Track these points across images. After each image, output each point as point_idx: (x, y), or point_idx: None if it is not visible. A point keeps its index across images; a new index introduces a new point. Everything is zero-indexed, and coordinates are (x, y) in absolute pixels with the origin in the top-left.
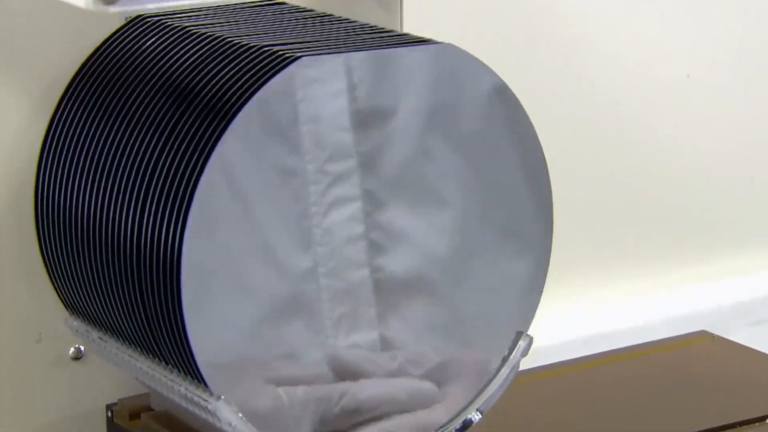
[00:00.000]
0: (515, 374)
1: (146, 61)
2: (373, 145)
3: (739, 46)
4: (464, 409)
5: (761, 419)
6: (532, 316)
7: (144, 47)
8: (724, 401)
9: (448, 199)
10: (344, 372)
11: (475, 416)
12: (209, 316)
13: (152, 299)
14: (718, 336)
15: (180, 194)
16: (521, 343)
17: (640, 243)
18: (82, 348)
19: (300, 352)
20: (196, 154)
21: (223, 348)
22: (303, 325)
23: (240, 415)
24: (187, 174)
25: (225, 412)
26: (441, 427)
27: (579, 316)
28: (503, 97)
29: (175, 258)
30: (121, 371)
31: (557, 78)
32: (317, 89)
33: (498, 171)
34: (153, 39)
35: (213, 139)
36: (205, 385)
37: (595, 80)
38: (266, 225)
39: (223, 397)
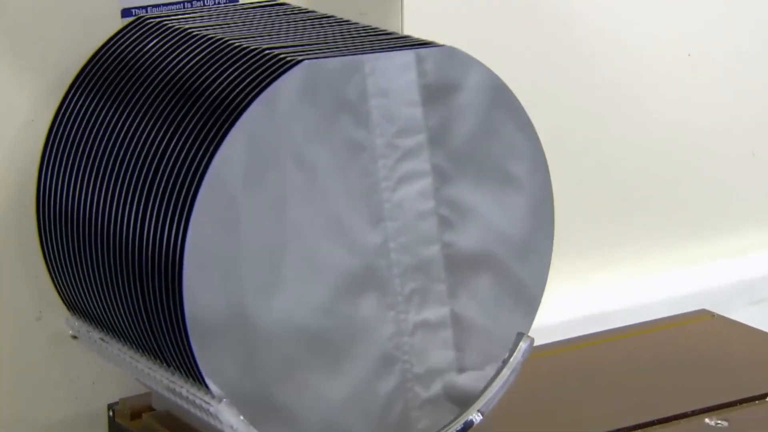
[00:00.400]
0: (516, 376)
1: (148, 62)
2: (440, 120)
3: (739, 24)
4: (465, 410)
5: (761, 397)
6: (533, 317)
7: (146, 49)
8: (724, 379)
9: (513, 176)
10: (461, 399)
11: (476, 417)
12: (275, 295)
13: (154, 301)
14: (718, 315)
15: (182, 196)
16: (522, 345)
17: (641, 223)
18: None
19: (372, 328)
20: (198, 157)
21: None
22: (375, 301)
23: (241, 417)
24: (189, 176)
25: (227, 414)
26: (443, 427)
27: (581, 295)
28: (503, 96)
29: (177, 260)
30: (123, 372)
31: (558, 59)
32: (385, 62)
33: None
34: (155, 41)
35: (215, 142)
36: (207, 387)
37: (596, 60)
38: (336, 200)
39: (225, 399)
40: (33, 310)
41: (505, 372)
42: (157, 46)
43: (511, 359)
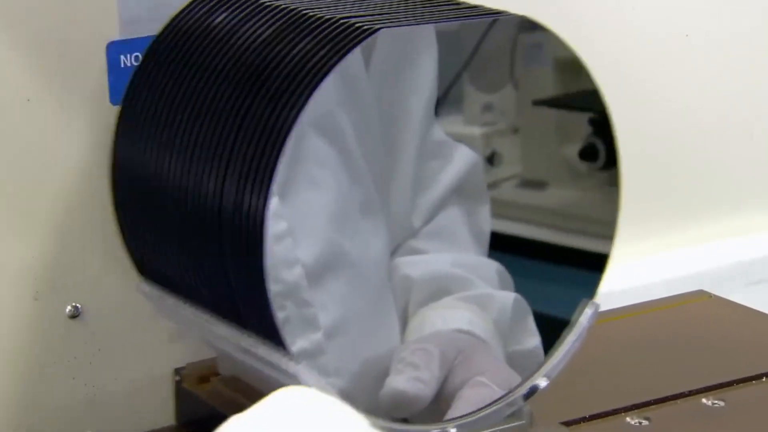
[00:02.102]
0: (581, 341)
1: (223, 31)
2: None
3: (737, 4)
4: (531, 375)
5: (758, 377)
6: (599, 285)
7: (217, 21)
8: (721, 360)
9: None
10: (406, 407)
11: (542, 382)
12: None
13: (234, 264)
14: (716, 296)
15: (264, 158)
16: (587, 310)
17: (638, 204)
18: (80, 306)
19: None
20: (279, 124)
21: None
22: None
23: (319, 377)
24: (270, 140)
25: (306, 375)
26: (507, 393)
27: None
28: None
29: (258, 219)
30: (193, 336)
31: None
32: None
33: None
34: (226, 13)
35: (295, 110)
36: (286, 349)
37: (592, 41)
38: None
39: (304, 361)
40: (30, 289)
41: (570, 337)
42: (228, 19)
43: (577, 324)
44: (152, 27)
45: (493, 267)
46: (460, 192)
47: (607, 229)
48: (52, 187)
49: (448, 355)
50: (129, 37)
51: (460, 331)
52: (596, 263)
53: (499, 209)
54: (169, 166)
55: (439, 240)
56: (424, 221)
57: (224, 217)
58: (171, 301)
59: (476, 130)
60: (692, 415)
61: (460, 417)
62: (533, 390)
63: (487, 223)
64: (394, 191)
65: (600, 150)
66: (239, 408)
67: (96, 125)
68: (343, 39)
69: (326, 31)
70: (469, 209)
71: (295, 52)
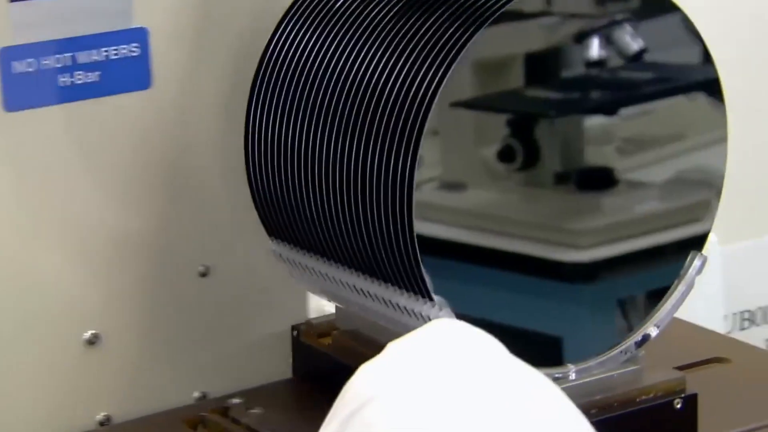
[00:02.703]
0: (689, 292)
1: (349, 11)
2: None
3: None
4: (643, 324)
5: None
6: (706, 240)
7: (340, 2)
8: None
9: None
10: None
11: (653, 331)
12: None
13: (378, 223)
14: None
15: (411, 116)
16: (696, 262)
17: None
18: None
19: None
20: (424, 86)
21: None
22: None
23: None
24: (417, 101)
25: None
26: (620, 342)
27: None
28: None
29: (409, 176)
30: (318, 291)
31: None
32: None
33: None
34: None
35: (439, 76)
36: (428, 297)
37: None
38: None
39: (445, 308)
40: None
41: (681, 287)
42: None
43: (687, 275)
44: (45, 33)
45: None
46: None
47: (524, 230)
48: None
49: None
50: (22, 42)
51: None
52: (515, 263)
53: (420, 211)
54: (306, 130)
55: None
56: None
57: (370, 176)
58: (302, 259)
59: None
60: None
61: (581, 361)
62: (645, 338)
63: None
64: None
65: (517, 151)
66: (362, 358)
67: None
68: (473, 13)
69: (457, 4)
70: None
71: (427, 26)
